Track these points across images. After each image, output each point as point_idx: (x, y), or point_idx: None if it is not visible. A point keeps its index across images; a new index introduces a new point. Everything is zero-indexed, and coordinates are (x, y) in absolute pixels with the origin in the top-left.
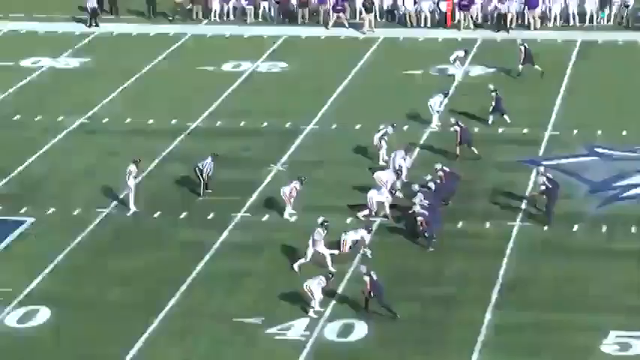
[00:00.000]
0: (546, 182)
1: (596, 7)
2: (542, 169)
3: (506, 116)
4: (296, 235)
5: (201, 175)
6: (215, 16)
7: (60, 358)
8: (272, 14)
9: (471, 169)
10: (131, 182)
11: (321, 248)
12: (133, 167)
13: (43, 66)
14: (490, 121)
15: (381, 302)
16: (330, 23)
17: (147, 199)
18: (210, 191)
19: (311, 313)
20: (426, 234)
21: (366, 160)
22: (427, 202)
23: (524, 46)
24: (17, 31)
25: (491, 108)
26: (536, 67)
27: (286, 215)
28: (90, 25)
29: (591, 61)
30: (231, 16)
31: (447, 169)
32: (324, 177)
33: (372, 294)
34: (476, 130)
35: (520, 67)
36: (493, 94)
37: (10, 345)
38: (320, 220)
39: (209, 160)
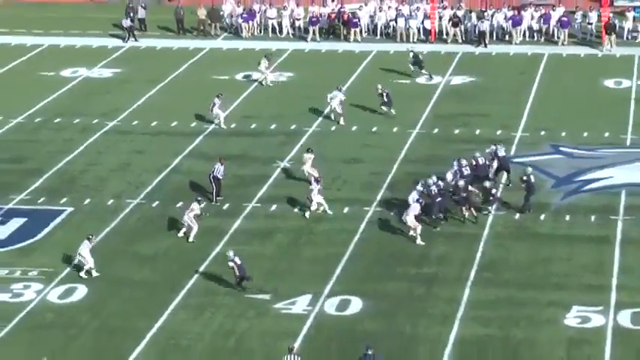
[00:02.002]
0: (529, 177)
1: (558, 26)
2: (529, 169)
3: (393, 110)
4: (297, 222)
5: (216, 181)
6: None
7: (94, 330)
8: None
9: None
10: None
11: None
12: (195, 205)
13: (80, 76)
14: (384, 112)
15: (248, 281)
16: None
17: (170, 191)
18: (221, 198)
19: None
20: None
21: (363, 157)
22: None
23: (413, 53)
24: (57, 45)
25: (382, 103)
26: (423, 71)
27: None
28: (127, 41)
29: (557, 72)
30: (245, 32)
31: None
32: (326, 172)
33: (241, 276)
34: (456, 131)
35: (411, 68)
36: (384, 91)
37: (53, 318)
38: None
39: (218, 165)
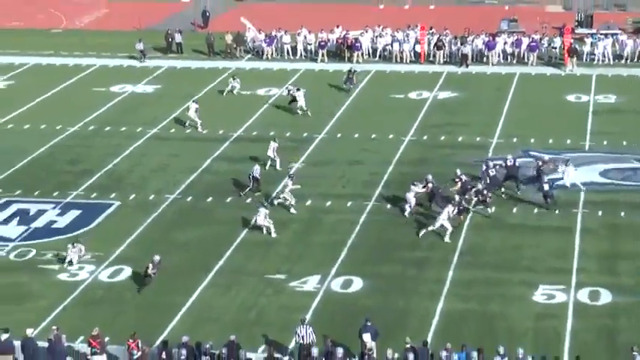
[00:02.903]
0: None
1: (528, 50)
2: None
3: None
4: (309, 214)
5: (255, 180)
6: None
7: (137, 305)
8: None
9: (439, 166)
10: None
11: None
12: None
13: (126, 91)
14: (301, 112)
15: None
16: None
17: (202, 188)
18: (259, 193)
19: None
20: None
21: (363, 159)
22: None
23: (352, 69)
24: (107, 65)
25: (293, 102)
26: (351, 86)
27: None
28: (142, 61)
29: (527, 88)
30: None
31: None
32: (331, 172)
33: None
34: (442, 138)
35: (345, 85)
36: (297, 92)
37: (103, 294)
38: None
39: (256, 166)
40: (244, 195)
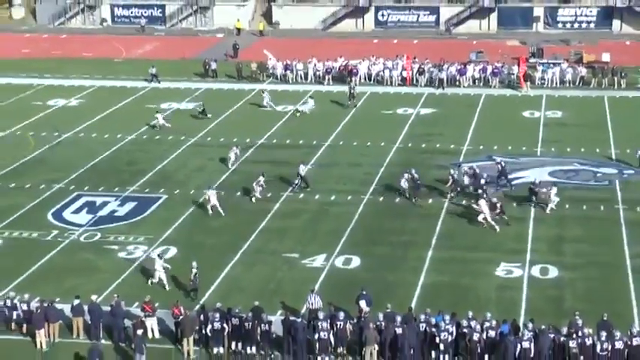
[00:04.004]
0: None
1: (492, 75)
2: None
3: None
4: (317, 206)
5: (301, 178)
6: (284, 79)
7: (182, 277)
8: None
9: (421, 167)
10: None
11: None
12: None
13: (172, 107)
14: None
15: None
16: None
17: (231, 185)
18: (309, 189)
19: None
20: None
21: (361, 162)
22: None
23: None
24: (157, 87)
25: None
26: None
27: None
28: (151, 82)
29: (491, 106)
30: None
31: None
32: (336, 172)
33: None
34: (423, 145)
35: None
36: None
37: (153, 268)
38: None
39: (303, 166)
40: (294, 191)
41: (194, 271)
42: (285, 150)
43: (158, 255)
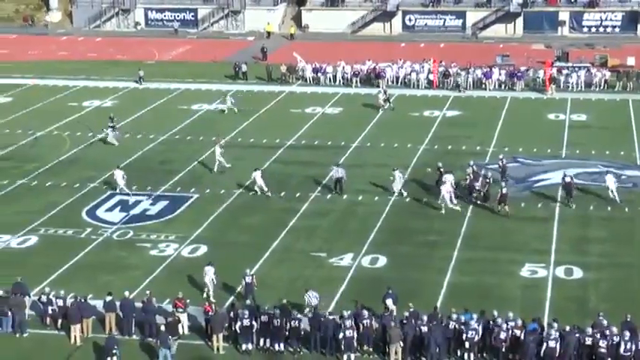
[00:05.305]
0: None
1: (509, 80)
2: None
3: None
4: (345, 205)
5: (338, 180)
6: (308, 81)
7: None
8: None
9: (447, 168)
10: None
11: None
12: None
13: (203, 108)
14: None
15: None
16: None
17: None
18: (339, 193)
19: None
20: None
21: (386, 163)
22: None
23: (387, 93)
24: (189, 89)
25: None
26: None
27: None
28: (141, 83)
29: (516, 109)
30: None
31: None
32: (363, 173)
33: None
34: (449, 147)
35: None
36: (110, 123)
37: (184, 266)
38: None
39: (337, 168)
40: (335, 194)
41: (248, 279)
42: (313, 151)
43: (210, 263)
